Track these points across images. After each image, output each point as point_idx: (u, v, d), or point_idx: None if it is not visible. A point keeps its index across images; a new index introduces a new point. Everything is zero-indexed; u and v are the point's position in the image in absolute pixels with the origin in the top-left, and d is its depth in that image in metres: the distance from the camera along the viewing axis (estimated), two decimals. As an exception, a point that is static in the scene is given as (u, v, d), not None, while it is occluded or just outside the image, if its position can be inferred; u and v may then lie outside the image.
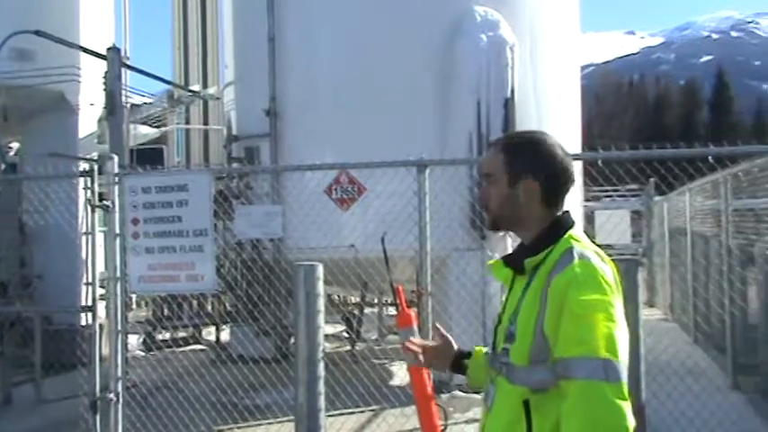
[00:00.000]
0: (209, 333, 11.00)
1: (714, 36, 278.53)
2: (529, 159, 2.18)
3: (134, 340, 9.72)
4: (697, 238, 10.38)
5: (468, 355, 2.51)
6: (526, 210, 2.18)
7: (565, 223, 2.18)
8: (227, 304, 10.38)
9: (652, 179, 13.74)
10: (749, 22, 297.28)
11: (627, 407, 1.89)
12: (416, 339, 2.62)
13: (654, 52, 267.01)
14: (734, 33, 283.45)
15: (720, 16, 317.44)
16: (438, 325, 2.63)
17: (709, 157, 5.73)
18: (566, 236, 2.14)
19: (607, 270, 2.05)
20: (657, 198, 15.10)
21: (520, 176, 2.16)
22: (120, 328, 5.91)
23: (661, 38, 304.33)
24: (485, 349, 2.47)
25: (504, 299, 2.30)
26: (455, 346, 2.53)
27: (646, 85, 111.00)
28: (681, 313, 12.18)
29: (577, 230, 2.18)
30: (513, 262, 2.23)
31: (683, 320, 11.66)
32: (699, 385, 6.90)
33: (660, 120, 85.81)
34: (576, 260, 2.03)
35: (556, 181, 2.18)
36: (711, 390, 7.16)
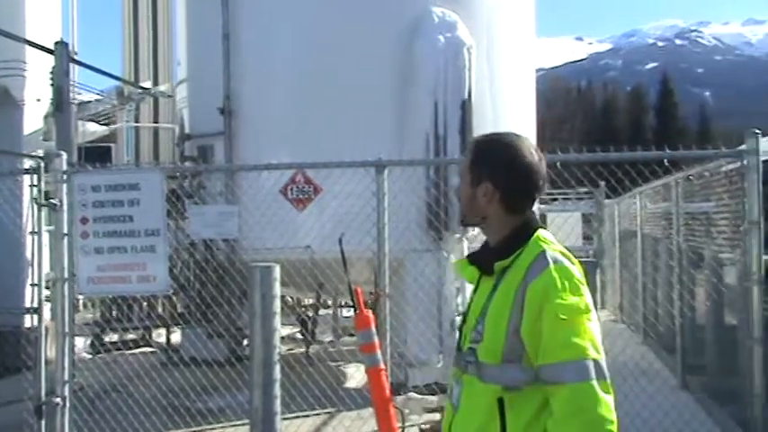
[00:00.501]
0: (160, 335, 10.77)
1: (659, 43, 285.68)
2: (489, 163, 2.20)
3: (81, 343, 9.46)
4: (648, 240, 10.54)
5: None
6: (487, 211, 2.21)
7: (532, 225, 2.20)
8: (178, 305, 10.17)
9: (603, 182, 13.94)
10: (693, 31, 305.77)
11: (612, 401, 1.98)
12: None
13: (602, 58, 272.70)
14: (678, 41, 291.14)
15: (665, 24, 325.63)
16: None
17: (665, 161, 5.83)
18: (533, 238, 2.16)
19: (578, 271, 2.10)
20: (608, 201, 15.33)
21: (480, 179, 2.20)
22: (67, 330, 5.74)
23: (609, 44, 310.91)
24: None
25: (469, 298, 2.30)
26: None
27: (594, 90, 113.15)
28: (631, 314, 12.37)
29: (544, 232, 2.20)
30: (481, 262, 2.24)
31: (633, 321, 11.84)
32: (653, 386, 6.99)
33: (608, 124, 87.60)
34: (552, 264, 2.07)
35: (517, 186, 2.19)
36: (666, 390, 7.27)
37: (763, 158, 5.60)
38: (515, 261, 2.12)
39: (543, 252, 2.10)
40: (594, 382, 1.95)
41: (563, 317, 2.00)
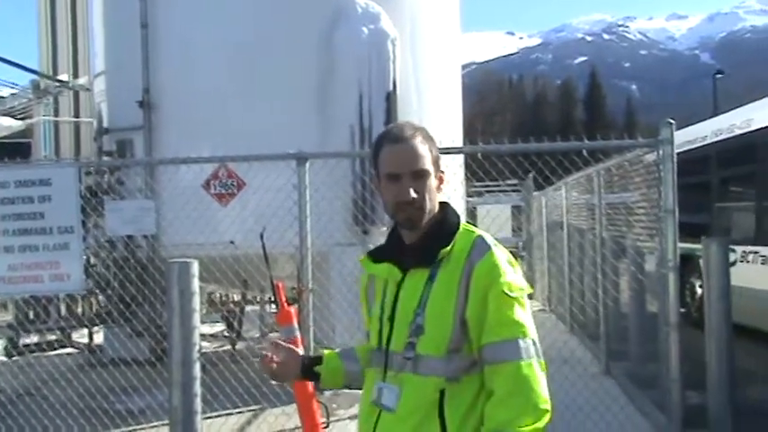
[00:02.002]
0: (82, 336, 10.44)
1: (588, 38, 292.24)
2: (435, 149, 2.19)
3: (-5, 345, 9.10)
4: (573, 231, 10.72)
5: (319, 359, 2.45)
6: (437, 201, 2.20)
7: (456, 213, 2.21)
8: (94, 305, 9.86)
9: (531, 174, 14.12)
10: (619, 26, 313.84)
11: (545, 381, 2.02)
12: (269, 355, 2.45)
13: (533, 52, 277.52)
14: (605, 36, 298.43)
15: (593, 19, 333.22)
16: (279, 341, 2.50)
17: (584, 151, 5.89)
18: (463, 227, 2.17)
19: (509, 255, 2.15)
20: (536, 193, 15.55)
21: (438, 167, 2.18)
22: (-25, 333, 5.48)
23: (539, 39, 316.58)
24: (334, 351, 2.48)
25: (390, 296, 2.18)
26: (300, 353, 2.47)
27: (525, 84, 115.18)
28: (558, 304, 12.58)
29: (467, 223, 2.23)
30: (405, 257, 2.16)
31: (560, 311, 12.04)
32: (575, 373, 7.09)
33: (539, 117, 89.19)
34: (493, 248, 2.09)
35: None
36: (587, 377, 7.38)
37: (679, 150, 5.72)
38: (452, 250, 2.11)
39: (481, 237, 2.12)
40: (534, 361, 1.98)
41: (511, 294, 2.02)
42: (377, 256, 2.26)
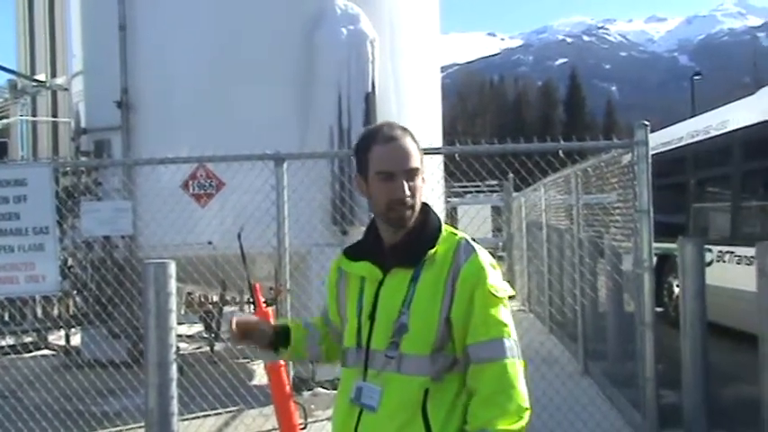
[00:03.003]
0: (59, 338, 10.35)
1: (568, 40, 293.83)
2: (421, 151, 2.20)
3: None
4: (551, 231, 10.78)
5: (286, 338, 2.44)
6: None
7: (437, 215, 2.22)
8: (71, 306, 9.76)
9: (510, 175, 14.18)
10: (599, 28, 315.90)
11: None
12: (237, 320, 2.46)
13: (514, 54, 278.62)
14: (586, 38, 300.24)
15: (573, 21, 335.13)
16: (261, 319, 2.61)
17: (560, 152, 5.93)
18: (447, 229, 2.20)
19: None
20: (515, 193, 15.62)
21: (421, 167, 2.19)
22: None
23: (520, 40, 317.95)
24: (294, 322, 2.50)
25: (369, 295, 2.17)
26: (271, 329, 2.45)
27: (506, 85, 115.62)
28: (537, 304, 12.64)
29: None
30: (393, 255, 2.15)
31: (539, 311, 12.09)
32: (552, 372, 7.13)
33: (520, 118, 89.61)
34: (477, 250, 2.13)
35: None
36: (564, 376, 7.43)
37: (656, 151, 5.77)
38: (436, 252, 2.13)
39: (465, 240, 2.16)
40: (517, 361, 2.03)
41: (497, 295, 2.07)
42: (354, 254, 2.26)
